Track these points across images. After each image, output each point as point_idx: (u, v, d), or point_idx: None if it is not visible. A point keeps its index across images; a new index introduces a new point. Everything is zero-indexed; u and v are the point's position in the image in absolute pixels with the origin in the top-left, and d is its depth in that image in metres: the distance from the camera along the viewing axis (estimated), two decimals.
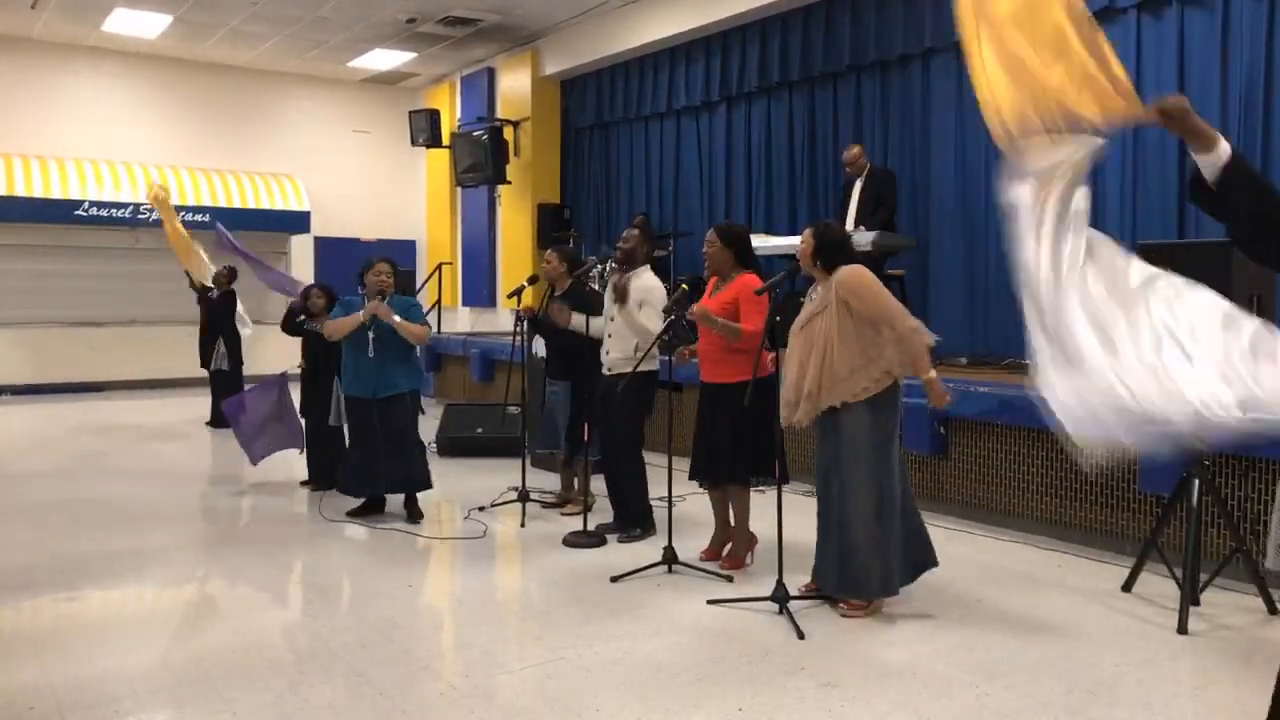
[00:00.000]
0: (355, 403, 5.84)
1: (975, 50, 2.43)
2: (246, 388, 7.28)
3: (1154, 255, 4.24)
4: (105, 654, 3.76)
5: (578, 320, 5.50)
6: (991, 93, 2.38)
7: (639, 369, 5.11)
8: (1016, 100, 2.33)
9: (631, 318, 5.23)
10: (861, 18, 8.78)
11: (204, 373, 9.89)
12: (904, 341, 4.04)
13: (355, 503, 6.01)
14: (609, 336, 5.40)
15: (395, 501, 6.01)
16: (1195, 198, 2.14)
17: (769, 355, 4.48)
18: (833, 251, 4.23)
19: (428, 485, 5.95)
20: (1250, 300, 3.85)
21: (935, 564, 4.33)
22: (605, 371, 5.40)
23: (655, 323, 5.16)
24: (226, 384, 9.44)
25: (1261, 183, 2.09)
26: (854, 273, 4.15)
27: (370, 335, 5.67)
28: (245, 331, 9.65)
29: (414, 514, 5.89)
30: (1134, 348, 2.05)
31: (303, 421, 6.78)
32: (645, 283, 5.33)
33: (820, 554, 4.32)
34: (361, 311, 5.69)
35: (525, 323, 6.12)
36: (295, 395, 6.83)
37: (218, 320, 9.67)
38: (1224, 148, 2.05)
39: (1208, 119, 6.63)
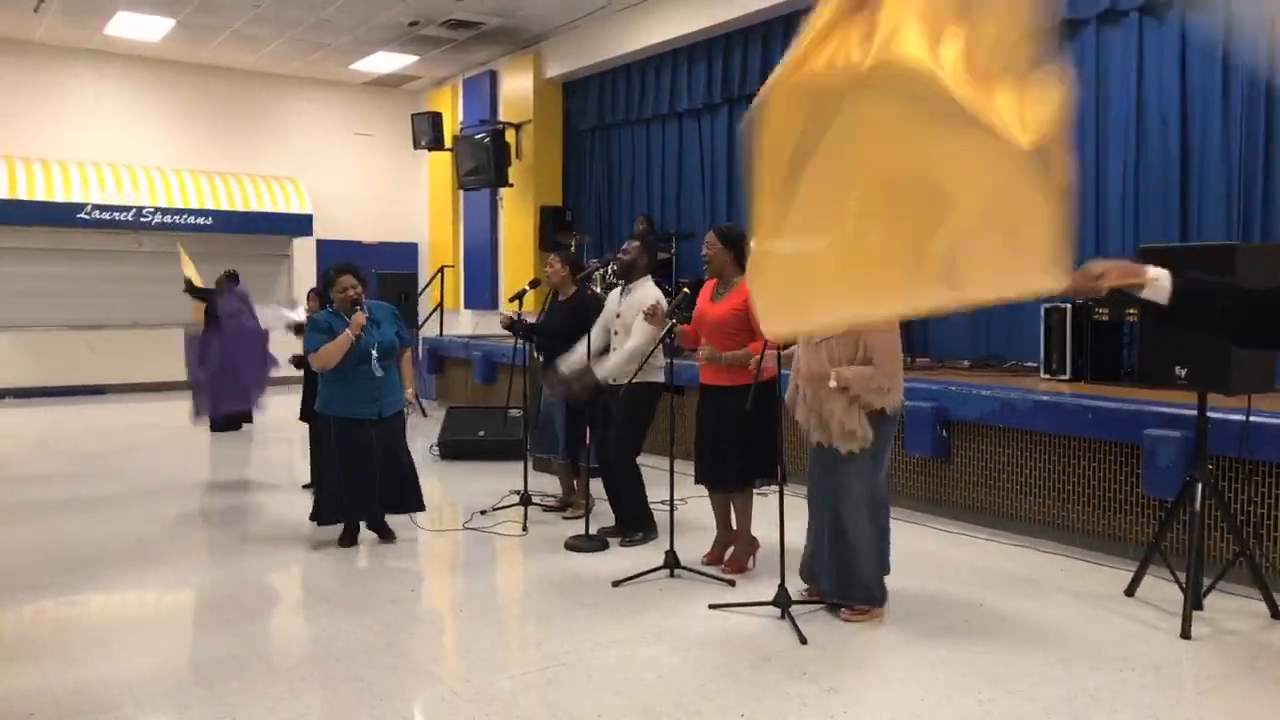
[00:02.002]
0: (355, 425, 5.24)
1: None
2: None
3: (1156, 258, 4.24)
4: (106, 659, 3.76)
5: (605, 373, 5.32)
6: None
7: (645, 381, 5.11)
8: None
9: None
10: None
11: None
12: (868, 385, 3.99)
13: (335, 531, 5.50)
14: (613, 350, 5.39)
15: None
16: (1171, 323, 2.15)
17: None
18: None
19: (421, 507, 5.50)
20: None
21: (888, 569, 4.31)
22: (610, 381, 5.38)
23: (644, 331, 5.13)
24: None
25: (1215, 287, 2.11)
26: None
27: (374, 354, 5.21)
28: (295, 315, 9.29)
29: (387, 534, 5.44)
30: None
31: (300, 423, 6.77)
32: (644, 294, 5.32)
33: (813, 557, 4.31)
34: (349, 330, 5.18)
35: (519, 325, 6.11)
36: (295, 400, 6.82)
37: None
38: (1154, 273, 2.05)
39: (1209, 122, 6.65)
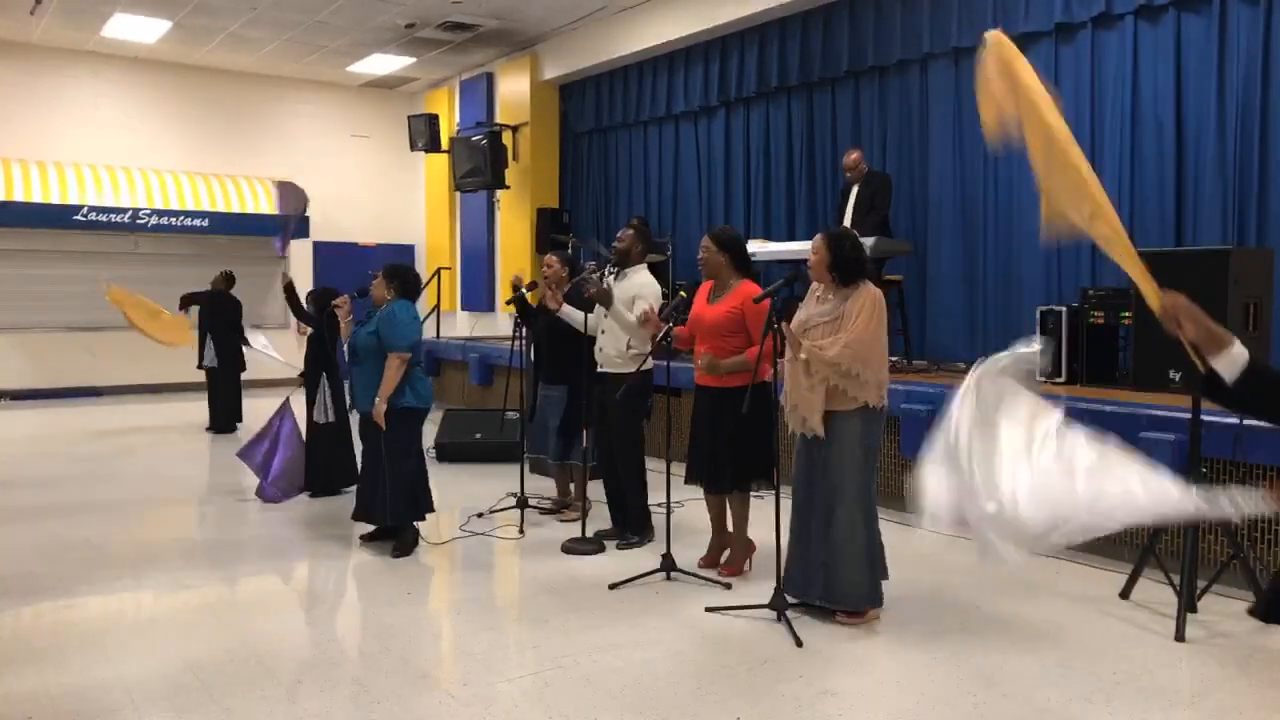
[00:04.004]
0: (361, 417, 5.42)
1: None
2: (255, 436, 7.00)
3: (1153, 262, 4.26)
4: (104, 662, 3.76)
5: (571, 313, 5.47)
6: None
7: (639, 371, 5.11)
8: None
9: (620, 316, 5.20)
10: (860, 23, 8.79)
11: (201, 376, 9.87)
12: (842, 369, 3.98)
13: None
14: (601, 334, 5.39)
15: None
16: (1211, 394, 2.11)
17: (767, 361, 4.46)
18: (850, 265, 4.17)
19: (400, 520, 5.26)
20: (1246, 310, 3.86)
21: (886, 576, 4.32)
22: (599, 369, 5.39)
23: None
24: (216, 384, 9.52)
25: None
26: (875, 299, 4.10)
27: (344, 349, 5.46)
28: (259, 342, 9.50)
29: (396, 547, 5.25)
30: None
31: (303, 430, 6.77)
32: (639, 280, 5.33)
33: (799, 562, 4.28)
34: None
35: (521, 292, 6.08)
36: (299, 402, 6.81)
37: (211, 320, 9.66)
38: (1239, 349, 2.02)
39: (1204, 125, 6.69)
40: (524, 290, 6.17)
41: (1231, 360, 2.00)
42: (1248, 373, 2.00)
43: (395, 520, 5.31)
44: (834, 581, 4.14)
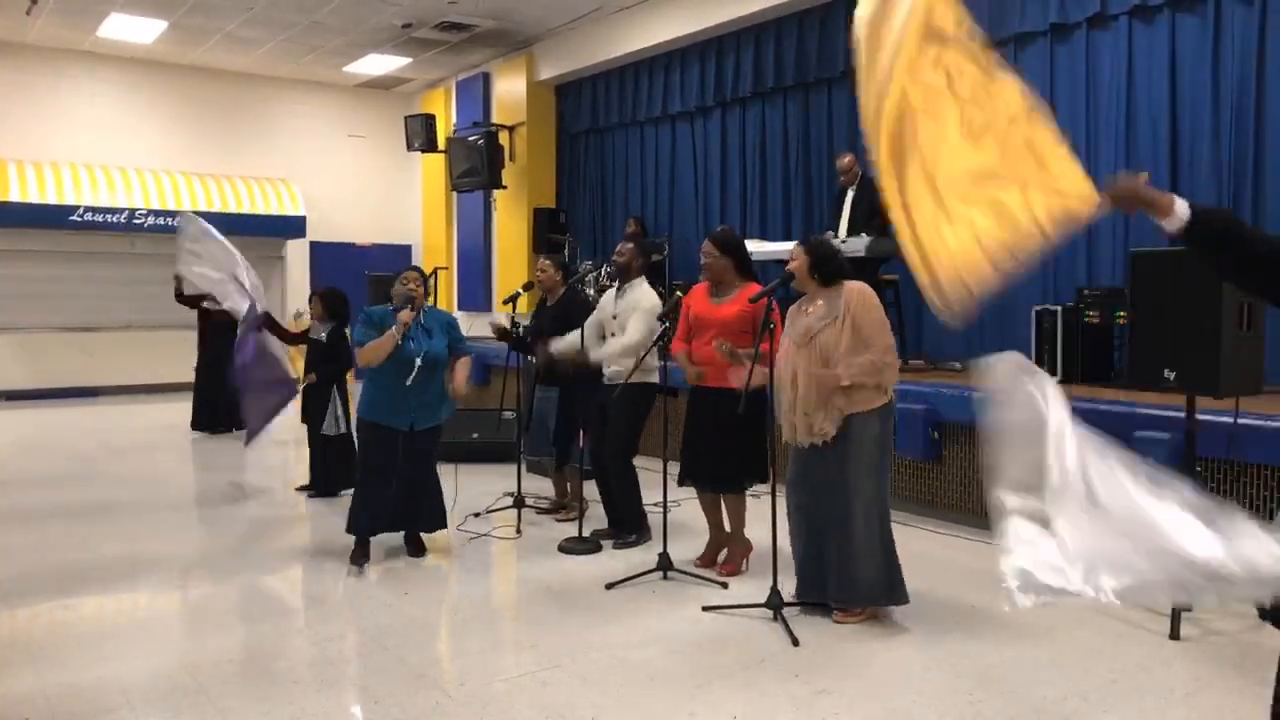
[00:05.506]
0: (385, 433, 5.01)
1: (914, 208, 2.62)
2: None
3: (1148, 262, 4.28)
4: (100, 662, 3.76)
5: (564, 348, 5.51)
6: (941, 256, 2.60)
7: (641, 381, 5.13)
8: (965, 250, 2.56)
9: (608, 356, 5.27)
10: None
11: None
12: (875, 372, 4.06)
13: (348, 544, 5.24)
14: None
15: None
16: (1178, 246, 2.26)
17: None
18: (830, 264, 4.24)
19: (441, 525, 5.33)
20: (1240, 309, 3.87)
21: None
22: (605, 381, 5.40)
23: (642, 327, 5.18)
24: (216, 384, 9.47)
25: (1224, 229, 2.20)
26: (865, 289, 4.19)
27: (418, 364, 4.94)
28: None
29: (418, 548, 5.29)
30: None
31: (305, 427, 6.75)
32: (639, 294, 5.34)
33: (815, 563, 4.28)
34: (394, 328, 4.91)
35: (515, 335, 6.09)
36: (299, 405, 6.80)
37: (227, 333, 9.60)
38: (1180, 209, 2.15)
39: (1199, 124, 6.67)
40: (521, 290, 6.18)
41: (1174, 223, 2.18)
42: (1187, 230, 2.17)
43: (436, 526, 5.31)
44: (852, 580, 4.14)
